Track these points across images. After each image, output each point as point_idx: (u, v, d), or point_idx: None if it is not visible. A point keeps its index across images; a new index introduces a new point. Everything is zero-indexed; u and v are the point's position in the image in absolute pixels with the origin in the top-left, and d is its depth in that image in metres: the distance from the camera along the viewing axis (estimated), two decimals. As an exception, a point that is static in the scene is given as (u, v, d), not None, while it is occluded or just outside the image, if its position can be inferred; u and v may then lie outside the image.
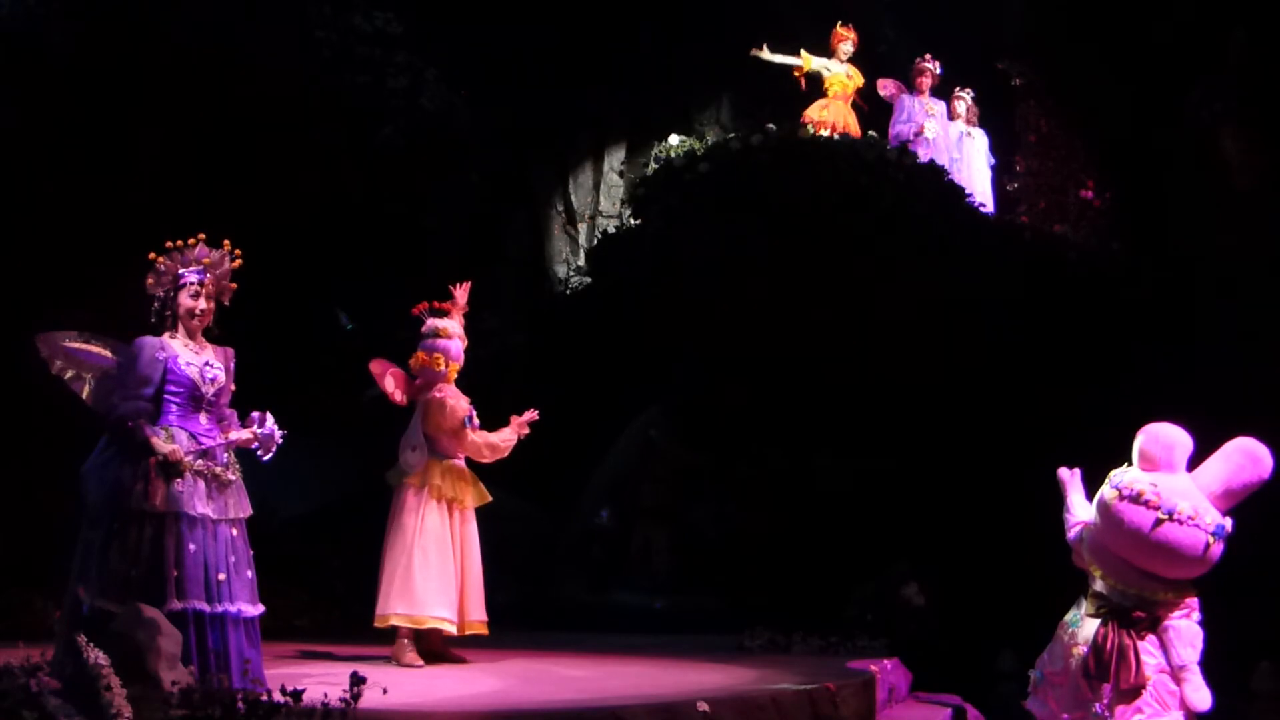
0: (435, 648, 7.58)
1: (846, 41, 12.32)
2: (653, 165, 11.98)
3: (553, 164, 14.42)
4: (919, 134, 12.05)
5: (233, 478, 5.73)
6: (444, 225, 12.21)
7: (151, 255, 5.83)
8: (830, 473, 10.53)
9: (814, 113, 11.99)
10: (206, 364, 5.80)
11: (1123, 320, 10.63)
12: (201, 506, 5.55)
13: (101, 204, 9.44)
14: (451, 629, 7.51)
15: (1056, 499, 5.94)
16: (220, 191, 9.73)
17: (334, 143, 10.17)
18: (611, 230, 13.35)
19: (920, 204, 10.78)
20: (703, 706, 5.33)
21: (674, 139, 11.81)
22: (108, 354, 5.92)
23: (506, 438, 7.91)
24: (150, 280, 5.87)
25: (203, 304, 5.84)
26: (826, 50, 12.39)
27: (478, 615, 7.69)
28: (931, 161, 11.48)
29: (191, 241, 5.88)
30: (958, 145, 12.29)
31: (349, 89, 10.19)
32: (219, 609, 5.47)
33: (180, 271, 5.86)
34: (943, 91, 12.54)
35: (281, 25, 9.86)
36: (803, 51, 12.28)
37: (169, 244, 5.87)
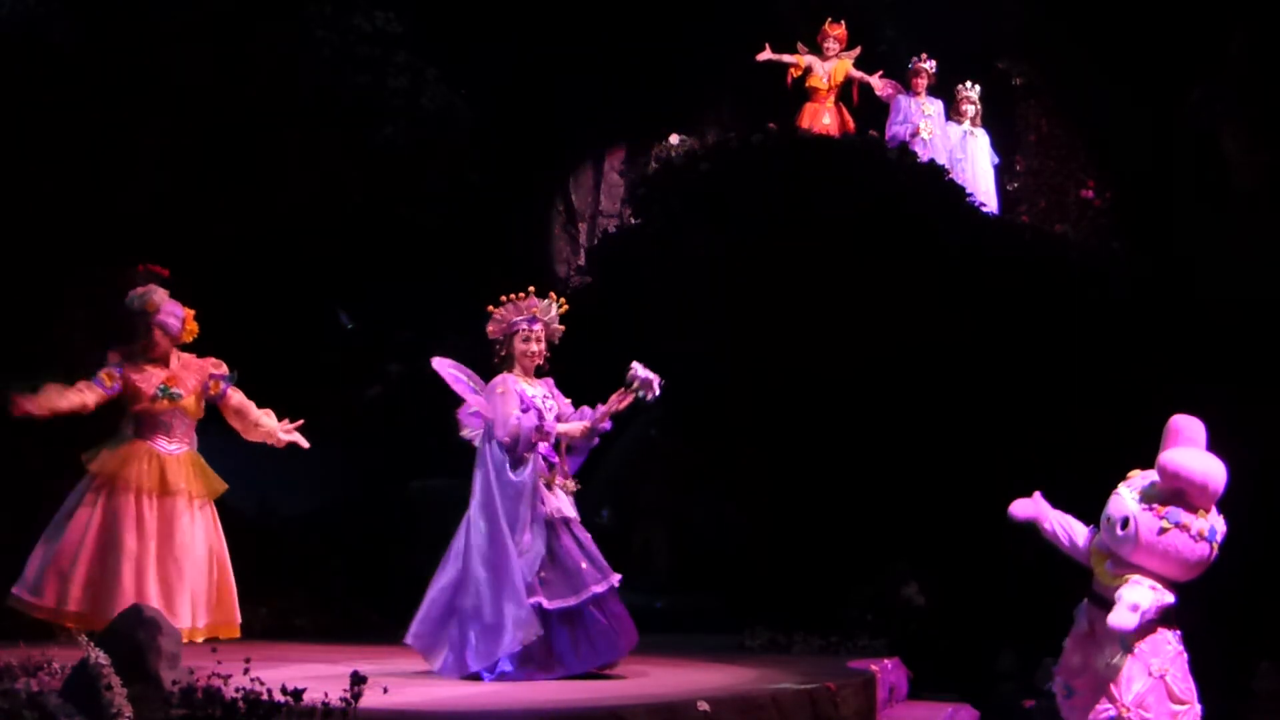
0: None
1: (829, 39, 12.29)
2: (653, 165, 11.97)
3: (553, 164, 14.41)
4: (914, 135, 12.04)
5: (575, 486, 6.96)
6: (444, 225, 12.22)
7: (489, 307, 6.97)
8: (830, 473, 10.53)
9: (805, 121, 11.97)
10: (544, 396, 6.93)
11: (1123, 320, 10.62)
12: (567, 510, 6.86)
13: (101, 204, 9.45)
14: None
15: (1057, 499, 5.93)
16: (220, 191, 9.73)
17: (334, 143, 10.18)
18: (611, 230, 13.34)
19: (920, 204, 10.78)
20: (703, 706, 5.33)
21: (674, 139, 11.80)
22: (473, 389, 6.99)
23: None
24: (490, 328, 6.99)
25: (534, 346, 6.96)
26: (819, 48, 12.38)
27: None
28: (931, 161, 11.48)
29: (521, 295, 6.97)
30: (961, 145, 12.27)
31: (349, 89, 10.19)
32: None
33: (514, 320, 6.97)
34: (943, 90, 12.52)
35: (281, 25, 9.86)
36: (800, 46, 12.29)
37: (504, 297, 6.97)
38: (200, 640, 6.64)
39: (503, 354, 7.01)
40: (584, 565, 6.81)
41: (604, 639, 6.77)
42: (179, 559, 6.70)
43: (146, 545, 6.64)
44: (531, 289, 7.02)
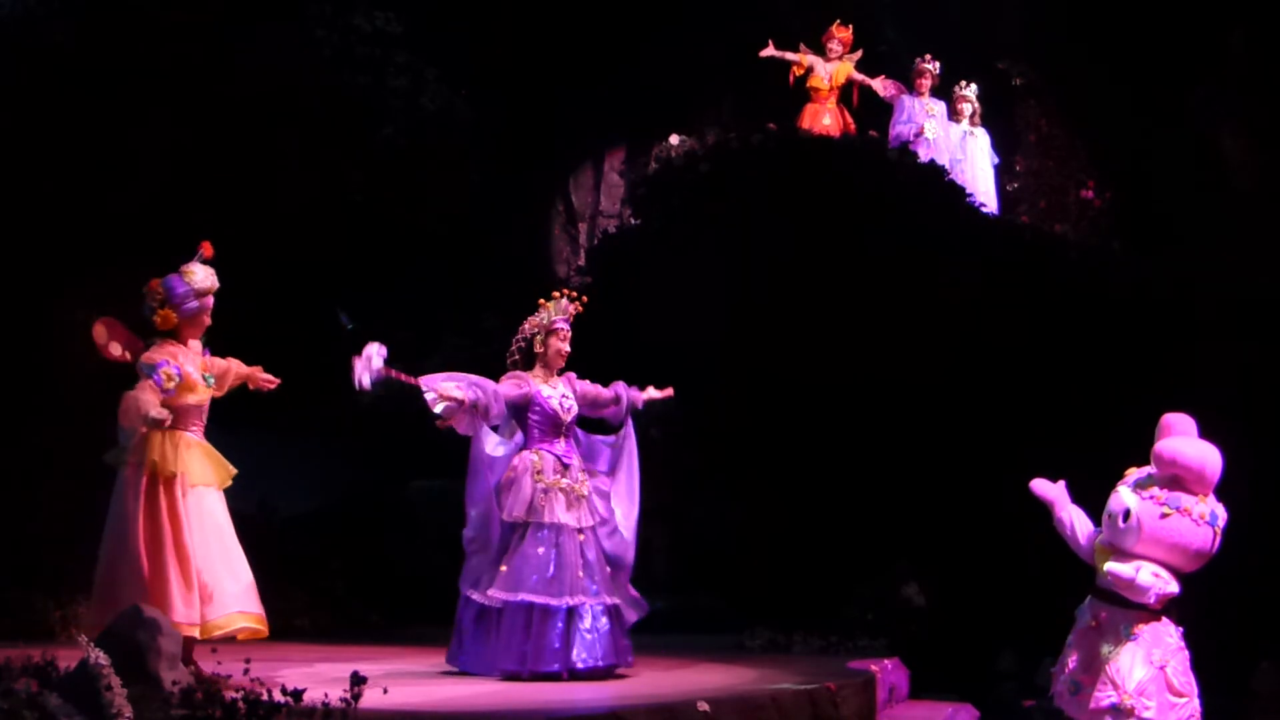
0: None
1: (834, 40, 12.33)
2: (653, 165, 11.97)
3: (553, 164, 14.41)
4: (919, 134, 12.03)
5: (585, 492, 6.85)
6: (444, 225, 12.21)
7: (540, 300, 7.04)
8: (830, 473, 10.53)
9: (806, 122, 11.98)
10: (563, 396, 6.94)
11: (1123, 320, 10.62)
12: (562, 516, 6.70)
13: (101, 204, 9.45)
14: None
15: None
16: (220, 191, 9.73)
17: (334, 143, 10.18)
18: (611, 230, 13.34)
19: (920, 204, 10.77)
20: (703, 706, 5.33)
21: (674, 139, 11.80)
22: (476, 392, 6.93)
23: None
24: (530, 320, 7.05)
25: (566, 346, 7.00)
26: (822, 49, 12.40)
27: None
28: (932, 161, 11.47)
29: (558, 294, 7.05)
30: (961, 145, 12.25)
31: (349, 89, 10.20)
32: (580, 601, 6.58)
33: (555, 319, 7.01)
34: (944, 91, 12.52)
35: (281, 25, 9.87)
36: (801, 46, 12.30)
37: (556, 294, 7.09)
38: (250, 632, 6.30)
39: (532, 350, 7.06)
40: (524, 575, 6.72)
41: (506, 648, 6.66)
42: (227, 548, 6.31)
43: (201, 538, 6.22)
44: (569, 292, 7.17)
